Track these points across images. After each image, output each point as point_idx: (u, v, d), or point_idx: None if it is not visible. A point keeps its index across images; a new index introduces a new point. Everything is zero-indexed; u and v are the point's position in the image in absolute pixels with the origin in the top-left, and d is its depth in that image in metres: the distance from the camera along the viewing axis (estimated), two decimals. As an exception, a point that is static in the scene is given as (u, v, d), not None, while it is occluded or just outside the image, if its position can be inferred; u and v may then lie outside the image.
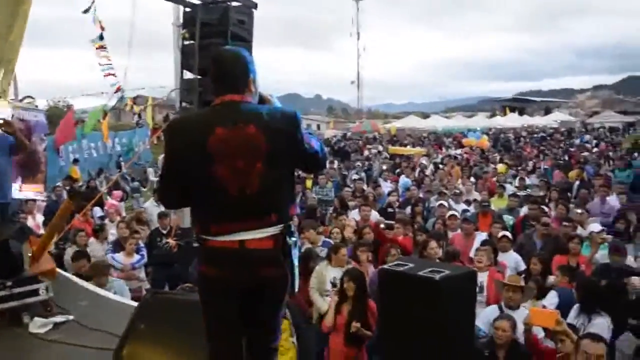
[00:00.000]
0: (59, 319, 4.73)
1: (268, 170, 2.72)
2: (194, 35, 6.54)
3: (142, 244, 8.38)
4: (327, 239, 7.91)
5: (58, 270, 5.54)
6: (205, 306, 2.91)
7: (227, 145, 2.68)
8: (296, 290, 3.02)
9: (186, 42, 6.69)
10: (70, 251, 7.97)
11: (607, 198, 10.75)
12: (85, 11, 11.11)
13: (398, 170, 17.61)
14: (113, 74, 13.09)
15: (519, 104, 64.65)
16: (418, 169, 17.54)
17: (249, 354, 2.96)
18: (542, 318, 4.66)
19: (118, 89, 13.23)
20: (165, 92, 7.54)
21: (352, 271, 6.01)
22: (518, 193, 11.66)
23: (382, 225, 8.30)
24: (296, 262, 2.93)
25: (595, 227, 7.83)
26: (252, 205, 2.73)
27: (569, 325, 4.79)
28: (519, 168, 17.37)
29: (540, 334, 4.94)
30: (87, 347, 4.26)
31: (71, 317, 4.78)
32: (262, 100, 2.96)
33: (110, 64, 12.96)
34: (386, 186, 14.07)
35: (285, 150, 2.77)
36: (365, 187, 13.30)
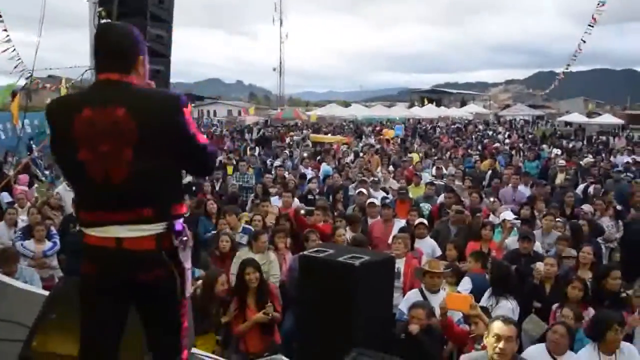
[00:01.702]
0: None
1: (139, 158, 2.46)
2: (111, 14, 6.29)
3: (54, 231, 8.02)
4: (247, 226, 7.88)
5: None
6: (83, 306, 2.69)
7: (92, 128, 2.46)
8: (187, 294, 2.73)
9: (102, 21, 6.43)
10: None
11: (518, 187, 11.31)
12: None
13: (319, 158, 17.73)
14: (14, 52, 12.59)
15: (436, 96, 66.67)
16: (338, 157, 17.72)
17: (153, 354, 2.79)
18: (457, 303, 4.84)
19: (16, 68, 12.70)
20: (79, 72, 7.23)
21: (252, 261, 5.84)
22: (435, 182, 12.00)
23: (302, 212, 8.34)
24: (188, 265, 2.68)
25: (507, 215, 8.16)
26: (120, 196, 2.50)
27: (483, 308, 5.00)
28: (436, 158, 17.87)
29: (456, 317, 5.13)
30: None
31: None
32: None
33: (9, 38, 12.45)
34: (307, 173, 14.14)
35: (160, 136, 2.49)
36: (286, 174, 13.30)
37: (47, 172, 17.75)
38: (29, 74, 13.14)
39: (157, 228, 2.54)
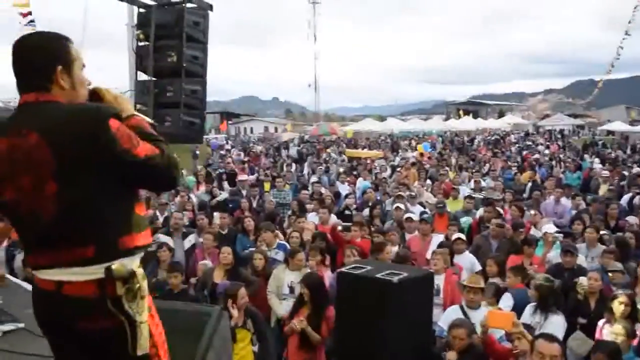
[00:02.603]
0: (8, 327, 4.56)
1: (65, 189, 2.12)
2: (149, 37, 6.44)
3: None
4: (282, 242, 7.91)
5: (8, 276, 5.38)
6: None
7: (9, 161, 2.14)
8: (141, 352, 2.26)
9: (141, 44, 6.58)
10: (20, 257, 7.71)
11: (561, 199, 11.07)
12: None
13: (355, 173, 17.69)
14: None
15: (473, 107, 66.20)
16: (375, 171, 17.66)
17: None
18: (499, 320, 4.72)
19: None
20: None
21: (308, 277, 6.01)
22: (473, 195, 11.84)
23: (339, 228, 8.32)
24: (141, 318, 2.22)
25: (549, 227, 7.99)
26: (54, 235, 2.17)
27: (525, 325, 4.88)
28: (474, 170, 17.67)
29: (498, 334, 5.02)
30: (38, 355, 4.12)
31: (21, 325, 4.62)
32: (98, 97, 2.39)
33: None
34: (344, 189, 14.13)
35: (82, 159, 2.11)
36: (322, 190, 13.31)
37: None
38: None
39: (100, 271, 2.16)
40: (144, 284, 2.24)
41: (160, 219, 10.28)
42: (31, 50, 2.23)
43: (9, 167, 2.15)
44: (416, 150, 28.00)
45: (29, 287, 5.86)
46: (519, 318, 5.01)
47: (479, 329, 4.92)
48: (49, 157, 2.09)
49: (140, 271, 2.24)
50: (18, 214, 2.23)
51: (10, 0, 12.63)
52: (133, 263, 2.25)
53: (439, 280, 6.28)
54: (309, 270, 6.62)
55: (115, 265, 2.15)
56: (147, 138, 2.27)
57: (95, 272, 2.15)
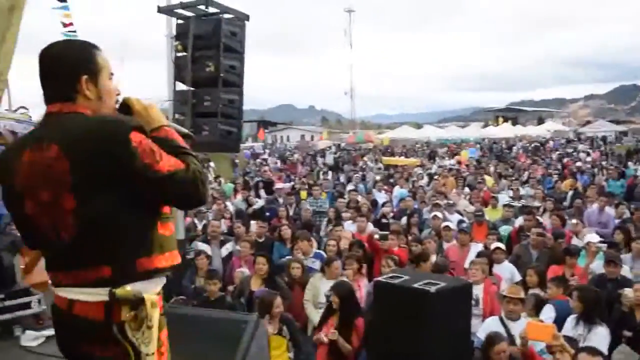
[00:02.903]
0: (51, 331, 4.67)
1: (83, 204, 2.01)
2: (187, 47, 6.53)
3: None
4: (318, 251, 7.91)
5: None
6: None
7: (30, 173, 2.07)
8: None
9: (179, 54, 6.69)
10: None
11: (605, 208, 10.79)
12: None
13: (392, 181, 17.60)
14: None
15: (511, 114, 65.28)
16: (412, 179, 17.55)
17: None
18: (538, 332, 4.61)
19: None
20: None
21: (338, 285, 6.02)
22: (512, 203, 11.65)
23: (376, 236, 8.29)
24: (148, 349, 2.05)
25: (592, 237, 7.79)
26: (73, 253, 2.06)
27: (566, 337, 4.76)
28: (513, 178, 17.39)
29: (538, 346, 4.91)
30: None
31: (63, 331, 4.73)
32: (128, 107, 2.27)
33: None
34: (380, 197, 14.06)
35: (99, 174, 2.00)
36: (359, 198, 13.28)
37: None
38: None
39: (107, 293, 2.02)
40: (153, 313, 2.06)
41: (199, 227, 10.40)
42: (55, 59, 2.14)
43: (29, 179, 2.07)
44: (456, 156, 27.71)
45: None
46: (560, 330, 4.89)
47: (518, 341, 4.82)
48: (68, 170, 1.99)
49: (151, 298, 2.06)
50: (38, 230, 2.11)
51: (55, 10, 12.97)
52: (150, 287, 2.11)
53: (478, 291, 6.19)
54: (345, 280, 6.61)
55: (122, 288, 2.01)
56: (174, 151, 2.13)
57: (105, 293, 2.02)
